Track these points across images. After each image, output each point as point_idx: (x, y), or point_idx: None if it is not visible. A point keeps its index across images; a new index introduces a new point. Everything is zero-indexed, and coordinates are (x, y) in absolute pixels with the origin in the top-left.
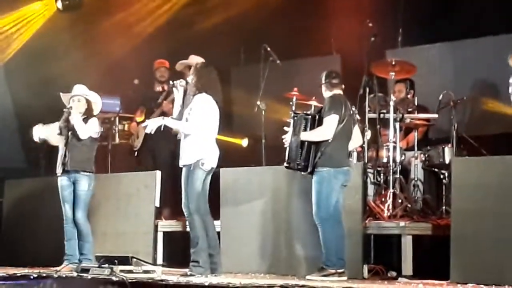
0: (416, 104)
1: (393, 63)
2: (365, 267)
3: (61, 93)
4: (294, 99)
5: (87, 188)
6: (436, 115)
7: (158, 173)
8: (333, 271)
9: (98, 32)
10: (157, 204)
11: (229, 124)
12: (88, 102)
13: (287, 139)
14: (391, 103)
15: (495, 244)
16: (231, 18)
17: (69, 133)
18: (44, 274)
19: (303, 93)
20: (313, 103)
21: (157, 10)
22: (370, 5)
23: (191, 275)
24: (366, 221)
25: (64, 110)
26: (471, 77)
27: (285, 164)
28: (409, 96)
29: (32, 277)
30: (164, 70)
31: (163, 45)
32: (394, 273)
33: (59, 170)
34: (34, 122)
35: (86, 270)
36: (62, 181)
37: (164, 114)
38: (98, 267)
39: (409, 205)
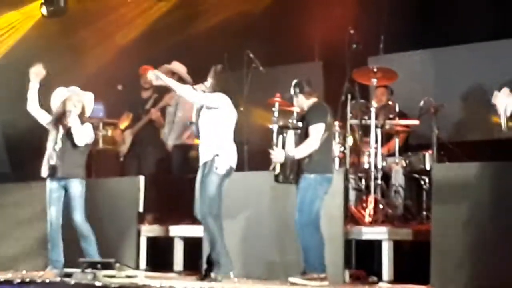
0: (397, 110)
1: (375, 69)
2: (346, 272)
3: (55, 90)
4: (276, 105)
5: (80, 189)
6: (417, 121)
7: (142, 178)
8: (316, 275)
9: (83, 38)
10: (141, 209)
11: None
12: (83, 106)
13: (278, 157)
14: (373, 110)
15: (475, 250)
16: (215, 25)
17: (61, 135)
18: (27, 279)
19: (286, 99)
20: (296, 109)
21: (141, 17)
22: (352, 12)
23: (216, 278)
24: (348, 227)
25: (58, 110)
26: (452, 83)
27: (276, 178)
28: (390, 102)
29: (15, 282)
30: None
31: (147, 51)
32: (375, 278)
33: (45, 173)
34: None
35: (69, 275)
36: (51, 184)
37: (152, 121)
38: (81, 272)
39: (390, 211)
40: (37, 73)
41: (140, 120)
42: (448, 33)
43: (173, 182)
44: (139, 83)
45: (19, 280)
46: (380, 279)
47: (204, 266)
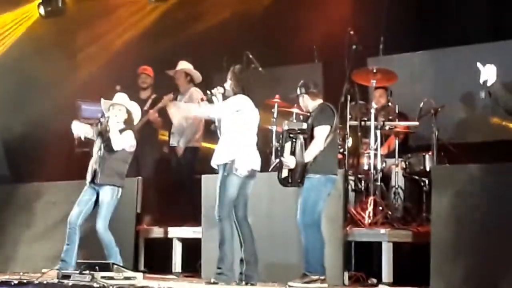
0: (397, 111)
1: (375, 71)
2: (346, 274)
3: (102, 99)
4: (276, 106)
5: (110, 198)
6: (416, 123)
7: (140, 180)
8: (316, 277)
9: (81, 38)
10: (139, 210)
11: (211, 131)
12: (129, 112)
13: (288, 162)
14: (372, 111)
15: (475, 251)
16: (214, 26)
17: (102, 142)
18: (25, 281)
19: (285, 100)
20: (295, 110)
21: (140, 18)
22: (352, 13)
23: (214, 283)
24: (347, 228)
25: (101, 118)
26: (452, 85)
27: (283, 182)
28: (390, 103)
29: (13, 283)
30: (145, 76)
31: (146, 52)
32: (374, 280)
33: (89, 177)
34: (14, 129)
35: (67, 277)
36: (88, 187)
37: (149, 122)
38: (79, 273)
39: (389, 213)
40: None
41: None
42: (447, 34)
43: (172, 184)
44: (137, 83)
45: (16, 282)
46: (379, 281)
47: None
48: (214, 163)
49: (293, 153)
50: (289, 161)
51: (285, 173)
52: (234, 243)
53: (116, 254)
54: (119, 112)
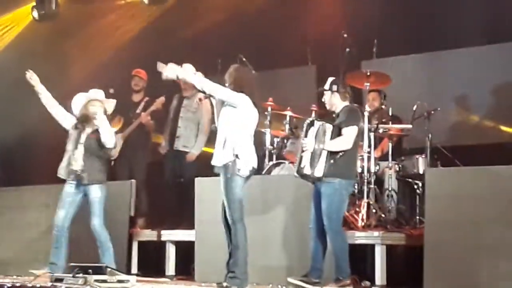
0: (390, 114)
1: (368, 74)
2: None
3: (79, 94)
4: (269, 109)
5: (100, 194)
6: (410, 126)
7: (133, 182)
8: (348, 281)
9: (74, 42)
10: (132, 214)
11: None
12: (105, 109)
13: (307, 144)
14: (366, 114)
15: (468, 254)
16: (207, 29)
17: (83, 140)
18: (18, 284)
19: (278, 103)
20: (289, 113)
21: (134, 21)
22: (345, 16)
23: (227, 286)
24: None
25: (83, 112)
26: (445, 88)
27: (301, 171)
28: (383, 106)
29: (6, 286)
30: (138, 79)
31: (140, 55)
32: (368, 283)
33: (63, 175)
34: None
35: (60, 280)
36: (69, 188)
37: (142, 125)
38: (72, 276)
39: (383, 215)
40: (33, 78)
41: (131, 124)
42: (441, 38)
43: (165, 186)
44: (130, 86)
45: (9, 285)
46: (373, 283)
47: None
48: (215, 163)
49: (315, 138)
50: (308, 143)
51: (304, 162)
52: (248, 247)
53: (110, 252)
54: (99, 109)
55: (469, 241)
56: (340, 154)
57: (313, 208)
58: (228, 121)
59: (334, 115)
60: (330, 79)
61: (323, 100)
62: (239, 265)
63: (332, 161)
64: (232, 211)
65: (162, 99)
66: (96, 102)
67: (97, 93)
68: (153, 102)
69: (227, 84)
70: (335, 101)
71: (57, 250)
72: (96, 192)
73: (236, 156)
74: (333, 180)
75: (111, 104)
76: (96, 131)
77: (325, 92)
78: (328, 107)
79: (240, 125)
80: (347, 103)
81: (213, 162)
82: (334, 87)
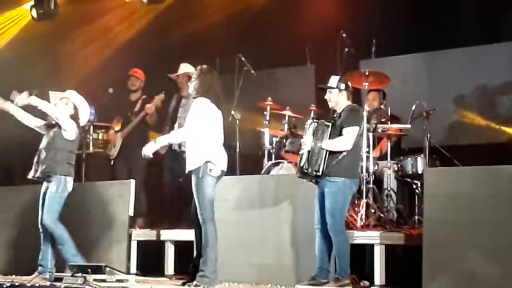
0: (389, 114)
1: (367, 73)
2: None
3: (50, 91)
4: (268, 109)
5: (55, 189)
6: (409, 125)
7: (133, 182)
8: (348, 281)
9: (73, 41)
10: (131, 213)
11: None
12: (76, 108)
13: (306, 143)
14: (365, 113)
15: (467, 254)
16: (206, 29)
17: (48, 137)
18: (17, 283)
19: (277, 102)
20: (287, 113)
21: (132, 20)
22: (344, 16)
23: (196, 285)
24: None
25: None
26: (444, 87)
27: (301, 170)
28: (382, 106)
29: (4, 286)
30: (134, 79)
31: (138, 55)
32: (366, 283)
33: (31, 174)
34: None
35: (59, 279)
36: (43, 187)
37: (141, 125)
38: (72, 276)
39: (382, 215)
40: (21, 101)
41: (129, 123)
42: (440, 37)
43: (164, 186)
44: (127, 86)
45: (8, 284)
46: (371, 283)
47: (191, 269)
48: (188, 169)
49: (313, 136)
50: (307, 141)
51: (303, 160)
52: (218, 245)
53: (70, 248)
54: (66, 106)
55: (468, 240)
56: (344, 153)
57: (318, 208)
58: (198, 125)
59: (335, 114)
60: (336, 77)
61: (326, 97)
62: (208, 264)
63: (335, 160)
64: (203, 210)
65: (161, 96)
66: (64, 99)
67: (68, 92)
68: (151, 99)
69: (192, 84)
70: (341, 100)
71: (43, 251)
72: (52, 186)
73: (209, 157)
74: (337, 179)
75: (80, 99)
76: (57, 124)
77: (330, 90)
78: (331, 105)
79: (210, 127)
80: (350, 102)
81: (187, 168)
82: (342, 86)
